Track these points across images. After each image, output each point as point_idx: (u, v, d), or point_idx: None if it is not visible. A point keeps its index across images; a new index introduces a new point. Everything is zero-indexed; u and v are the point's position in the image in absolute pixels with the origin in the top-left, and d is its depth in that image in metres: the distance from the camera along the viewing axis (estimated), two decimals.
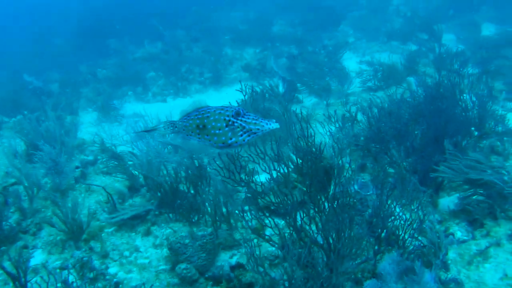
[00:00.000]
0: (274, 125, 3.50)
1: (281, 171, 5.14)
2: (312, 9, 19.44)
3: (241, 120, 3.51)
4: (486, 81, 8.83)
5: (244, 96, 7.30)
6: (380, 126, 6.07)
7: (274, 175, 5.05)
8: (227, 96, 12.17)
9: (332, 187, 4.69)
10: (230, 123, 3.49)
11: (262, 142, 6.01)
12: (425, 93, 6.59)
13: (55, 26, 24.44)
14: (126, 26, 20.45)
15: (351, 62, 13.71)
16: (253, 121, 3.51)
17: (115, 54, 18.11)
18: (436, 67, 10.69)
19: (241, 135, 3.50)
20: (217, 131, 3.51)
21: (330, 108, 9.49)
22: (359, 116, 7.76)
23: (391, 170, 6.02)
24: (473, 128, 6.74)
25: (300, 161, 5.19)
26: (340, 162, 5.59)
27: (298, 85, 10.47)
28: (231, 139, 3.52)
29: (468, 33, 14.56)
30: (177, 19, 20.85)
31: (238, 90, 8.24)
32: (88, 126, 11.75)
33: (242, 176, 4.90)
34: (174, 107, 12.38)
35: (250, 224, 4.65)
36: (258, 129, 3.51)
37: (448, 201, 5.37)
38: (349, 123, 7.55)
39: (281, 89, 10.12)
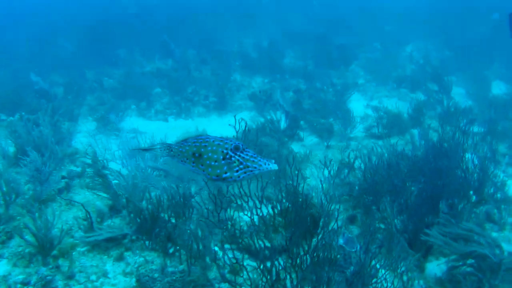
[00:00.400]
0: (273, 166, 3.40)
1: (265, 214, 4.92)
2: (325, 45, 19.46)
3: (239, 156, 3.41)
4: (491, 143, 8.63)
5: (236, 132, 7.06)
6: (376, 179, 5.84)
7: (257, 220, 4.83)
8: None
9: (316, 239, 4.45)
10: (227, 156, 3.40)
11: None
12: (426, 150, 6.38)
13: (65, 28, 24.50)
14: (138, 38, 20.49)
15: (358, 104, 13.58)
16: (251, 159, 3.41)
17: (124, 64, 18.04)
18: (442, 122, 10.51)
19: (237, 171, 3.40)
20: (213, 163, 3.42)
21: (329, 150, 9.31)
22: (358, 163, 7.57)
23: (381, 226, 5.79)
24: (471, 192, 6.51)
25: (287, 205, 4.98)
26: (329, 211, 5.37)
27: (302, 122, 10.28)
28: (225, 173, 3.41)
29: (478, 89, 14.47)
30: (189, 37, 20.93)
31: (231, 125, 8.03)
32: (85, 136, 11.56)
33: (224, 214, 4.68)
34: (174, 128, 12.22)
35: (222, 271, 4.39)
36: (255, 167, 3.40)
37: (436, 267, 5.11)
38: (346, 170, 7.35)
39: (283, 124, 9.94)
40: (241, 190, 4.91)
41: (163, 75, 16.31)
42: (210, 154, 3.41)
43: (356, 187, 6.62)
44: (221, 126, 12.03)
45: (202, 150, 3.43)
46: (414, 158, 6.34)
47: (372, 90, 15.05)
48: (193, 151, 3.46)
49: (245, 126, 6.86)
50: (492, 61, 17.62)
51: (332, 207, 6.41)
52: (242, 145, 3.44)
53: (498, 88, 15.46)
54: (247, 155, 3.42)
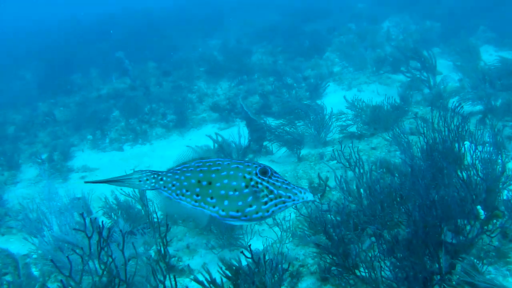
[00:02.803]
0: (310, 196, 2.58)
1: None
2: (296, 35, 17.91)
3: (268, 182, 2.55)
4: (492, 126, 7.03)
5: None
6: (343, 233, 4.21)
7: None
8: (191, 143, 10.46)
9: None
10: (252, 183, 2.53)
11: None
12: (412, 173, 4.71)
13: (23, 57, 22.98)
14: (94, 59, 18.97)
15: (334, 96, 12.07)
16: (284, 185, 2.57)
17: (80, 90, 16.45)
18: (431, 106, 9.02)
19: (266, 203, 2.52)
20: (231, 193, 2.52)
21: (301, 164, 7.75)
22: (333, 183, 6.09)
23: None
24: (479, 207, 5.00)
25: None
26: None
27: (267, 133, 8.72)
28: (250, 206, 2.50)
29: (466, 59, 12.92)
30: (151, 49, 19.31)
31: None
32: (26, 185, 10.02)
33: None
34: (130, 158, 10.68)
35: None
36: (289, 197, 2.54)
37: None
38: (319, 194, 5.87)
39: (243, 140, 8.41)
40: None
41: (121, 95, 14.79)
42: (226, 181, 2.53)
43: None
44: (182, 148, 10.50)
45: (213, 175, 2.54)
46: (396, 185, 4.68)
47: (350, 77, 13.46)
48: (198, 178, 2.55)
49: None
50: (477, 25, 16.08)
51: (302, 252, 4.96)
52: (270, 168, 2.62)
53: (487, 54, 13.93)
54: (277, 180, 2.59)
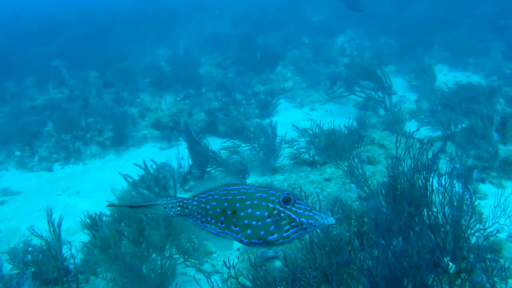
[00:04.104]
0: (330, 220, 2.55)
1: None
2: (248, 47, 17.11)
3: (290, 210, 2.52)
4: (462, 162, 6.37)
5: None
6: None
7: None
8: (128, 165, 9.44)
9: None
10: (274, 212, 2.51)
11: None
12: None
13: None
14: (33, 64, 17.54)
15: (285, 115, 11.38)
16: (306, 213, 2.53)
17: (12, 99, 15.05)
18: (387, 129, 8.42)
19: (287, 231, 2.50)
20: (254, 223, 2.49)
21: None
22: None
23: None
24: (447, 259, 4.33)
25: None
26: None
27: (210, 160, 7.83)
28: (272, 235, 2.48)
29: (422, 78, 12.53)
30: (94, 57, 18.05)
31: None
32: None
33: None
34: (60, 179, 9.56)
35: None
36: (311, 223, 2.52)
37: None
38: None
39: (184, 162, 7.53)
40: None
41: (57, 107, 13.54)
42: (249, 211, 2.51)
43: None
44: (117, 170, 9.46)
45: (238, 205, 2.52)
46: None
47: (302, 94, 12.79)
48: (223, 208, 2.53)
49: None
50: (431, 44, 15.81)
51: None
52: (293, 195, 2.57)
53: (441, 73, 13.64)
54: (299, 208, 2.54)
